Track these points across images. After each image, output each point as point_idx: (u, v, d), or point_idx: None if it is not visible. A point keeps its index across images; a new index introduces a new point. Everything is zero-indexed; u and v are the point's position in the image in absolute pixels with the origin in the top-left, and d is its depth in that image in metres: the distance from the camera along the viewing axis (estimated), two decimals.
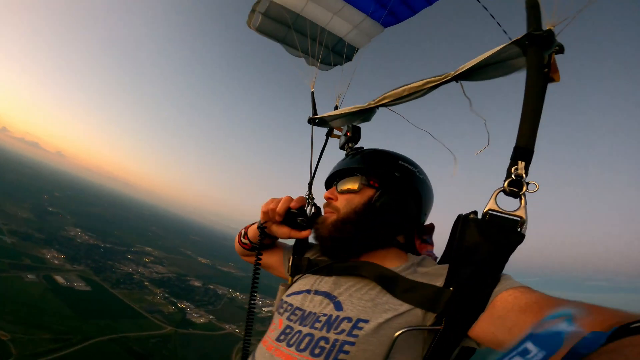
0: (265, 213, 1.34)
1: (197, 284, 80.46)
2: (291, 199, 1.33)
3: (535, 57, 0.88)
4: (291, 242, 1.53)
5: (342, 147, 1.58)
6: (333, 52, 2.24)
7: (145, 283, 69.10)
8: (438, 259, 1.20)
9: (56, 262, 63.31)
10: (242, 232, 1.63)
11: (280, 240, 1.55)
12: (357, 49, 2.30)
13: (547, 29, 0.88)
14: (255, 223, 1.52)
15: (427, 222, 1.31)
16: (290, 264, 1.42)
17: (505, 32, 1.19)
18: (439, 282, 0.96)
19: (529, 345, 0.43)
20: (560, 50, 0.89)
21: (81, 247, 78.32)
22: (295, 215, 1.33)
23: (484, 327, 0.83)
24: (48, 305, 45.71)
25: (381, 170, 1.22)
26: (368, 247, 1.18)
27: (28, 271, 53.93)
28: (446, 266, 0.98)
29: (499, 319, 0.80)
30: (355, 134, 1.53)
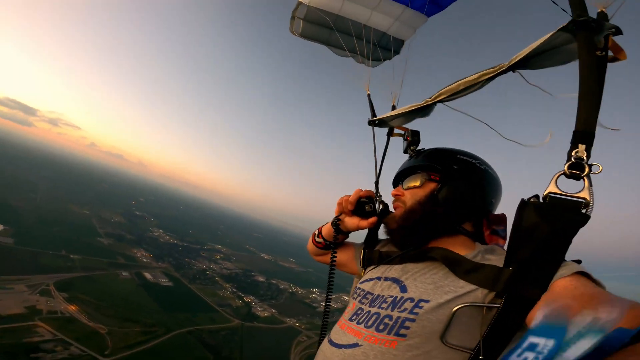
0: (339, 204, 1.50)
1: (261, 279, 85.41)
2: (361, 190, 1.49)
3: (584, 42, 0.87)
4: (362, 238, 1.63)
5: (405, 151, 1.59)
6: (380, 47, 2.23)
7: (217, 278, 75.09)
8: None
9: (145, 260, 71.10)
10: (316, 232, 1.74)
11: (349, 241, 1.71)
12: (404, 42, 2.28)
13: (599, 11, 0.88)
14: (327, 223, 1.64)
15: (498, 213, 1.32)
16: (362, 257, 1.53)
17: (564, 11, 1.07)
18: (500, 264, 0.99)
19: (534, 339, 0.44)
20: (618, 31, 0.87)
21: (164, 246, 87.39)
22: (365, 203, 1.46)
23: (536, 309, 0.82)
24: (139, 300, 51.72)
25: (440, 165, 1.28)
26: (433, 234, 1.25)
27: (122, 269, 61.20)
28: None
29: (551, 302, 0.79)
30: (414, 137, 1.56)
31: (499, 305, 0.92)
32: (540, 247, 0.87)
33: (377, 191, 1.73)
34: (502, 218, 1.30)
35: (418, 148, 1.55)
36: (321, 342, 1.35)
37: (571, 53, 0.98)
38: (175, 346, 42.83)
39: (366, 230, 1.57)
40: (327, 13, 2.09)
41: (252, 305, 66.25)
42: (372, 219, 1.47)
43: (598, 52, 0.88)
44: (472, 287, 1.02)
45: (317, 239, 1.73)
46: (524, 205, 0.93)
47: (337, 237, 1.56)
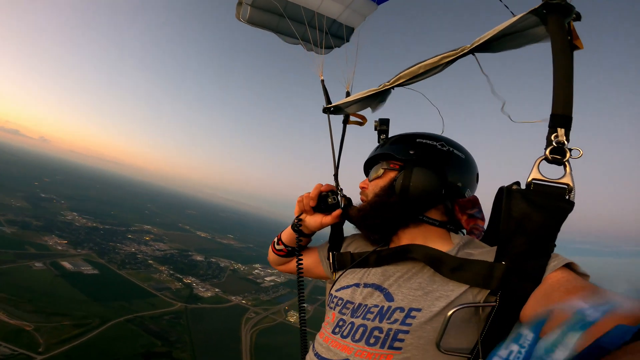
0: (299, 202, 1.43)
1: (199, 258, 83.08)
2: (321, 184, 1.42)
3: (558, 24, 0.87)
4: (325, 238, 1.56)
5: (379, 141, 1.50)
6: (330, 34, 2.18)
7: (150, 261, 70.99)
8: (480, 239, 1.18)
9: (59, 247, 64.34)
10: (275, 240, 1.64)
11: (311, 245, 1.63)
12: (354, 29, 2.26)
13: None
14: (286, 228, 1.57)
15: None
16: (331, 261, 1.42)
17: (507, 7, 1.15)
18: (490, 258, 0.96)
19: (525, 331, 0.43)
20: (578, 17, 0.89)
21: (81, 230, 79.31)
22: (326, 196, 1.40)
23: (530, 304, 0.81)
24: (61, 292, 47.15)
25: (397, 152, 1.24)
26: (391, 226, 1.23)
27: (34, 259, 54.85)
28: (494, 248, 0.99)
29: (545, 296, 0.78)
30: (383, 126, 1.46)
31: (494, 304, 0.89)
32: (533, 239, 0.86)
33: (338, 184, 1.64)
34: (474, 201, 1.23)
35: (389, 136, 1.45)
36: (304, 352, 1.38)
37: (534, 37, 0.99)
38: (116, 336, 40.35)
39: (328, 230, 1.52)
40: None
41: (193, 286, 64.57)
42: (337, 212, 1.39)
43: (568, 37, 0.90)
44: (464, 287, 0.97)
45: (277, 247, 1.62)
46: (509, 193, 0.91)
47: (300, 240, 1.49)
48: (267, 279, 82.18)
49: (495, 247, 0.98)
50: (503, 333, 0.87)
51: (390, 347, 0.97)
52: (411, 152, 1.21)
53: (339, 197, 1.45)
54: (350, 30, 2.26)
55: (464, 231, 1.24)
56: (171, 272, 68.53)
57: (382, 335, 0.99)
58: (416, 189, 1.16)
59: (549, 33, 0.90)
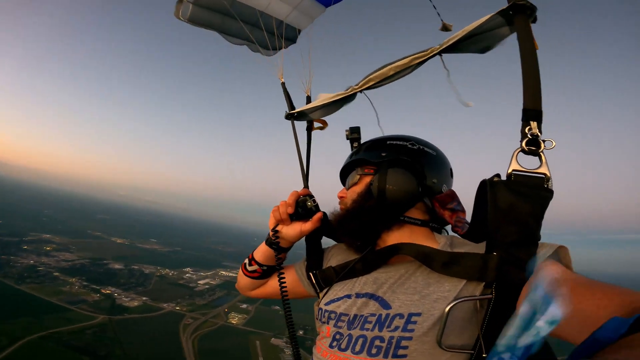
0: (274, 212, 1.33)
1: (117, 266, 74.48)
2: (296, 191, 1.35)
3: (524, 24, 0.94)
4: (299, 253, 1.47)
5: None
6: (277, 36, 2.11)
7: (55, 274, 61.48)
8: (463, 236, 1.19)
9: None
10: (246, 262, 1.50)
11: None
12: (300, 30, 2.22)
13: None
14: (259, 246, 1.45)
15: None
16: (315, 281, 1.34)
17: (439, 14, 1.23)
18: (480, 251, 0.98)
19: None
20: (535, 19, 0.97)
21: None
22: (305, 200, 1.32)
23: (523, 295, 0.81)
24: None
25: (369, 157, 1.24)
26: (372, 229, 1.21)
27: None
28: (482, 244, 1.01)
29: (538, 285, 0.75)
30: (354, 134, 1.44)
31: (491, 296, 0.90)
32: (522, 228, 0.89)
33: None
34: (452, 195, 1.24)
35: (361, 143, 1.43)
36: None
37: (498, 37, 1.06)
38: (31, 356, 34.49)
39: (302, 246, 1.45)
40: None
41: (115, 296, 57.92)
42: (318, 215, 1.33)
43: None
44: (460, 283, 0.98)
45: (249, 269, 1.48)
46: (493, 185, 0.93)
47: (280, 256, 1.40)
48: (201, 282, 77.62)
49: (482, 244, 1.02)
50: (503, 325, 0.85)
51: (395, 356, 0.96)
52: (383, 155, 1.22)
53: (316, 200, 1.38)
54: (297, 31, 2.24)
55: (449, 227, 1.25)
56: (84, 283, 60.29)
57: (385, 345, 0.98)
58: (393, 189, 1.16)
59: (517, 32, 0.96)
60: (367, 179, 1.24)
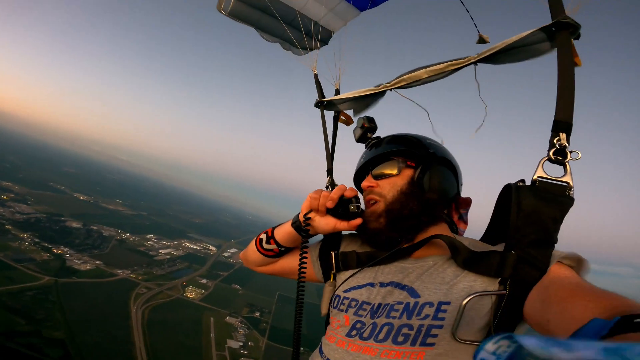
0: (314, 199, 1.26)
1: (75, 224, 71.19)
2: (345, 187, 1.28)
3: (565, 41, 0.97)
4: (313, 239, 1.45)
5: (359, 140, 1.46)
6: (309, 36, 2.18)
7: (7, 226, 57.90)
8: (480, 237, 1.23)
9: None
10: (263, 237, 1.45)
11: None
12: (333, 33, 2.27)
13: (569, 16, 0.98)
14: (281, 225, 1.41)
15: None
16: (334, 261, 1.35)
17: (476, 26, 1.29)
18: (500, 249, 1.00)
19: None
20: (578, 37, 1.00)
21: None
22: (349, 202, 1.25)
23: (532, 294, 0.87)
24: None
25: (415, 149, 1.24)
26: (426, 223, 1.20)
27: None
28: (501, 245, 1.03)
29: (545, 289, 0.84)
30: (371, 124, 1.43)
31: (505, 292, 0.93)
32: (541, 230, 0.92)
33: (333, 180, 1.65)
34: (469, 202, 1.31)
35: (374, 135, 1.44)
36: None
37: (536, 52, 1.08)
38: None
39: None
40: None
41: (66, 257, 55.17)
42: (357, 221, 1.26)
43: None
44: (479, 278, 1.00)
45: (265, 246, 1.43)
46: (518, 189, 0.96)
47: (306, 242, 1.33)
48: (162, 251, 75.96)
49: (499, 245, 1.03)
50: (514, 321, 0.92)
51: (423, 344, 0.94)
52: (431, 151, 1.23)
53: (361, 205, 1.31)
54: (329, 33, 2.26)
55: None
56: (36, 240, 57.09)
57: (413, 332, 0.96)
58: (442, 187, 1.19)
59: (558, 48, 0.98)
60: (409, 172, 1.22)
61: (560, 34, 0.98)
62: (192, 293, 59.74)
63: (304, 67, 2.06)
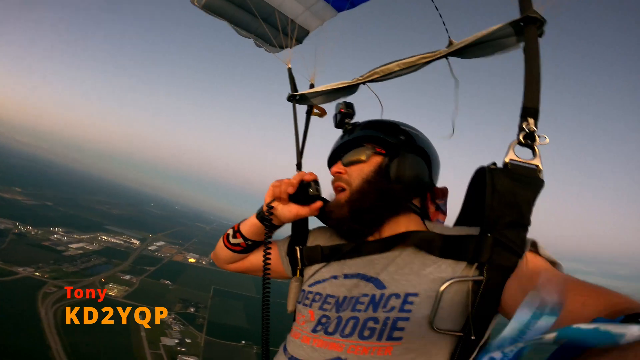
0: (275, 187, 1.26)
1: None
2: (304, 172, 1.29)
3: (533, 34, 1.02)
4: (282, 234, 1.44)
5: (338, 125, 1.41)
6: (284, 34, 2.13)
7: None
8: (453, 224, 1.24)
9: None
10: (230, 232, 1.43)
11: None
12: (309, 32, 2.23)
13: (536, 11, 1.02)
14: (247, 219, 1.39)
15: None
16: (299, 256, 1.32)
17: (447, 31, 1.26)
18: (476, 232, 0.99)
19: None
20: (542, 34, 1.05)
21: None
22: (308, 185, 1.26)
23: (512, 286, 0.86)
24: None
25: (386, 136, 1.20)
26: (389, 215, 1.16)
27: None
28: (475, 227, 1.02)
29: (527, 278, 0.83)
30: (349, 109, 1.39)
31: (482, 278, 0.92)
32: (516, 212, 0.92)
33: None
34: (445, 192, 1.28)
35: (353, 121, 1.40)
36: None
37: (504, 46, 1.13)
38: None
39: (288, 225, 1.41)
40: None
41: None
42: (318, 204, 1.26)
43: None
44: (455, 264, 0.99)
45: (232, 241, 1.41)
46: (492, 171, 0.97)
47: (270, 233, 1.33)
48: (73, 246, 67.30)
49: (474, 228, 1.03)
50: (490, 310, 0.91)
51: (390, 338, 0.93)
52: (402, 138, 1.20)
53: (320, 188, 1.32)
54: (306, 32, 2.24)
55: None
56: None
57: (379, 326, 0.95)
58: (411, 175, 1.15)
59: (526, 41, 1.04)
60: (378, 159, 1.18)
61: (528, 28, 1.03)
62: (113, 290, 54.40)
63: (270, 56, 2.07)
